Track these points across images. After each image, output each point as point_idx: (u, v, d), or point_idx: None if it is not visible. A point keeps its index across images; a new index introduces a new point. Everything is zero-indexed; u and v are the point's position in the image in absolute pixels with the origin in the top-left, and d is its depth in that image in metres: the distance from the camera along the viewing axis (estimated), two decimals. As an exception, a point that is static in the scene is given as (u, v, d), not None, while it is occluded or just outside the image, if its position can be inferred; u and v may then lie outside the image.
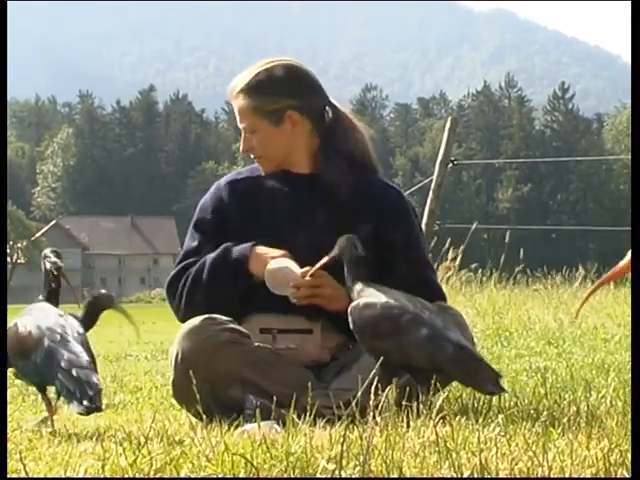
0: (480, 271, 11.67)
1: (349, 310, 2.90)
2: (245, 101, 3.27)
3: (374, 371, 2.53)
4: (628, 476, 1.92)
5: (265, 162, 3.33)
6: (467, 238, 9.38)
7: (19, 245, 79.37)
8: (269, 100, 3.25)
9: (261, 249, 3.17)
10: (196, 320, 3.09)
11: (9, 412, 3.40)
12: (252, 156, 3.34)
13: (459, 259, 10.50)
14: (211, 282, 3.20)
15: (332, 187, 3.27)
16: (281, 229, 3.22)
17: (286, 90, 3.28)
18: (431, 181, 8.29)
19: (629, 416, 2.24)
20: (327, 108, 3.33)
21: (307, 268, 3.09)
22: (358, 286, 2.93)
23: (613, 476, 1.93)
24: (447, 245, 10.32)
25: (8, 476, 2.02)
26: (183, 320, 3.20)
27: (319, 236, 3.15)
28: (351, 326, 2.90)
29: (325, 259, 3.03)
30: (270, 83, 3.26)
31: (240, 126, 3.31)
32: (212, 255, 3.23)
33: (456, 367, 2.70)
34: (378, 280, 3.01)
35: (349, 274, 2.97)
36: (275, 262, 3.13)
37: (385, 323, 2.79)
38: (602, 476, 1.93)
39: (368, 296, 2.88)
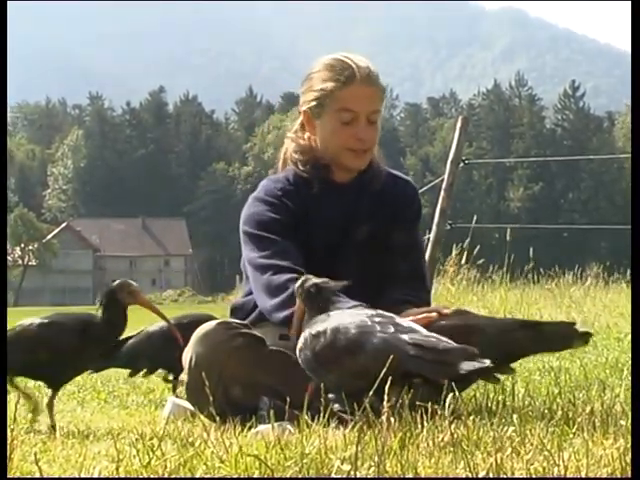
0: (491, 270, 11.66)
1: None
2: (379, 86, 3.23)
3: (383, 373, 2.50)
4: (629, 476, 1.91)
5: (367, 157, 3.27)
6: (469, 237, 9.35)
7: (30, 247, 79.53)
8: (385, 89, 3.31)
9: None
10: (210, 325, 3.08)
11: (22, 414, 3.40)
12: (353, 149, 3.22)
13: (465, 257, 10.50)
14: None
15: (375, 191, 3.31)
16: (335, 236, 3.22)
17: None
18: (442, 180, 8.26)
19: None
20: None
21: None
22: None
23: (616, 476, 1.92)
24: (465, 244, 10.30)
25: (13, 476, 2.02)
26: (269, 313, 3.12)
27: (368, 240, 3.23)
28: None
29: (297, 311, 2.87)
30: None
31: (364, 111, 3.18)
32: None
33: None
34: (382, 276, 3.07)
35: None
36: None
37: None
38: (605, 476, 1.92)
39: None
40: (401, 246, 3.22)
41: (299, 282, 2.81)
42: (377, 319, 2.66)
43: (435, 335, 2.58)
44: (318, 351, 2.64)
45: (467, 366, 2.47)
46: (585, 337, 2.83)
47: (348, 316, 2.67)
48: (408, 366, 2.52)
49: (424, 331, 2.58)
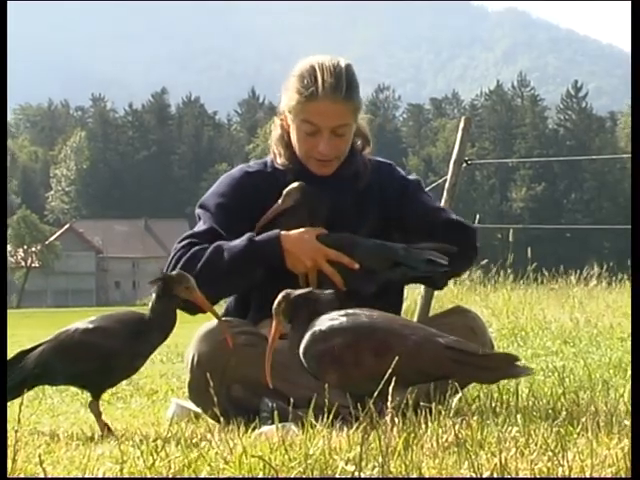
0: (494, 271, 11.66)
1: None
2: (347, 102, 3.17)
3: (389, 373, 2.50)
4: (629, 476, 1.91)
5: (334, 165, 3.27)
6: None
7: (33, 249, 79.53)
8: (360, 100, 3.26)
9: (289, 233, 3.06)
10: (213, 323, 3.07)
11: (26, 416, 3.40)
12: (317, 159, 3.22)
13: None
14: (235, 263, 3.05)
15: (361, 187, 3.30)
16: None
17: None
18: (445, 181, 8.25)
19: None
20: None
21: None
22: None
23: (620, 476, 1.92)
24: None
25: (12, 476, 2.02)
26: None
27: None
28: None
29: (275, 327, 2.76)
30: (357, 83, 3.24)
31: (326, 126, 3.16)
32: (235, 243, 3.07)
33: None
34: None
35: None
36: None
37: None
38: (609, 476, 1.91)
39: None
40: (415, 220, 3.23)
41: (279, 298, 2.68)
42: (400, 321, 2.66)
43: (468, 342, 2.59)
44: (333, 349, 2.54)
45: (510, 372, 2.51)
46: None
47: (365, 317, 2.59)
48: (447, 370, 2.52)
49: (453, 337, 2.57)
